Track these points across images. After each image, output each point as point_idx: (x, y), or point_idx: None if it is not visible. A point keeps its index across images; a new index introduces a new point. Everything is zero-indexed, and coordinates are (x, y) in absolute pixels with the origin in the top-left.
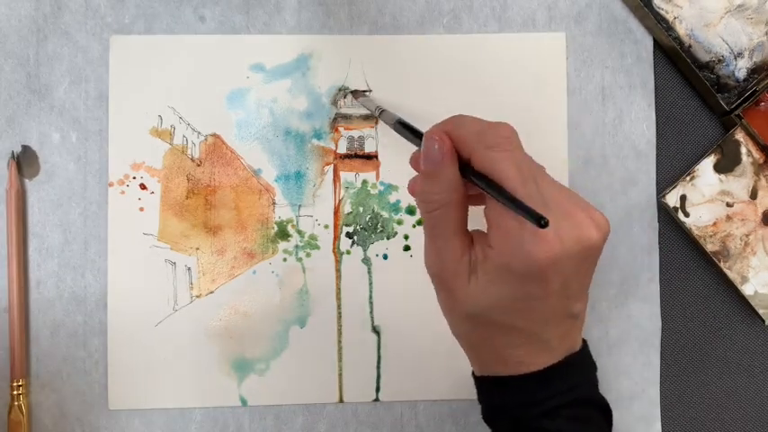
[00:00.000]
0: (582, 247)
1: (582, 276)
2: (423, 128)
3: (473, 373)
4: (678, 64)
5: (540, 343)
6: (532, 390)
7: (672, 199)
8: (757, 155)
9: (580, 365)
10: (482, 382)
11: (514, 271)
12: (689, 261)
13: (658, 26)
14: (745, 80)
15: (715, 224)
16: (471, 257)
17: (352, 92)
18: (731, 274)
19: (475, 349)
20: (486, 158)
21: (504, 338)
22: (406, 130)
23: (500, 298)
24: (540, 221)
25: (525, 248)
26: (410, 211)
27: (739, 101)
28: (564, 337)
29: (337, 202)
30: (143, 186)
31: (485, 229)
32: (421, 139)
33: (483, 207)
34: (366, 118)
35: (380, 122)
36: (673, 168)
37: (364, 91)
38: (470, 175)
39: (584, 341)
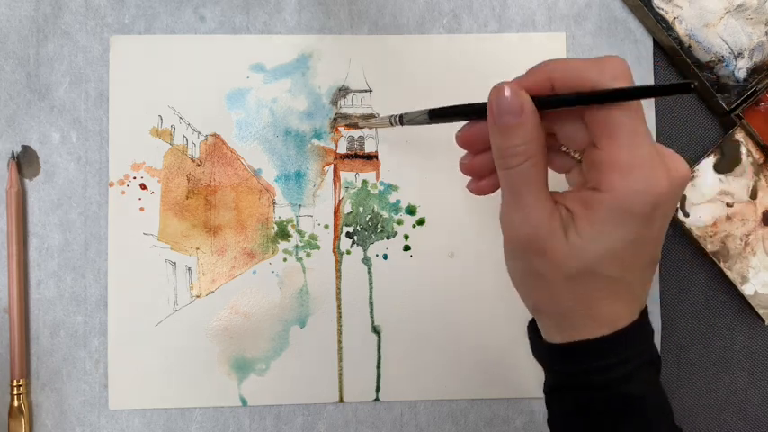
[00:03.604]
0: (682, 184)
1: (672, 214)
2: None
3: (541, 343)
4: (678, 64)
5: (632, 294)
6: (619, 349)
7: None
8: (757, 155)
9: (648, 324)
10: (557, 348)
11: (632, 210)
12: (689, 261)
13: (658, 26)
14: (744, 80)
15: (715, 224)
16: (561, 213)
17: (359, 124)
18: (731, 274)
19: (568, 314)
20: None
21: (603, 294)
22: (446, 112)
23: (612, 246)
24: (690, 85)
25: (645, 183)
26: (410, 211)
27: (739, 101)
28: (644, 287)
29: (337, 202)
30: (143, 186)
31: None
32: (468, 116)
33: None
34: (366, 118)
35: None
36: None
37: (363, 93)
38: (585, 99)
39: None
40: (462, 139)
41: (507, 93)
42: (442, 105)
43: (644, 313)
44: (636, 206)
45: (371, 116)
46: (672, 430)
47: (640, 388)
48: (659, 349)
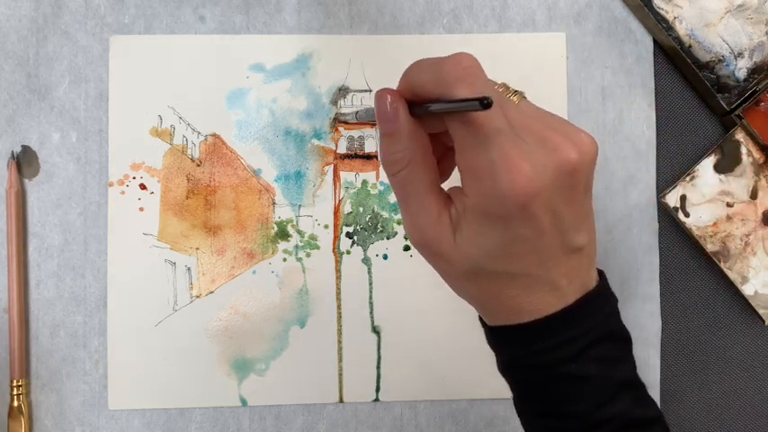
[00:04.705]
0: (562, 173)
1: (574, 205)
2: None
3: (483, 324)
4: (678, 64)
5: (548, 285)
6: (550, 335)
7: (672, 199)
8: (757, 155)
9: (598, 302)
10: (497, 332)
11: (494, 214)
12: (689, 261)
13: (658, 26)
14: (745, 80)
15: (715, 224)
16: (451, 214)
17: (340, 120)
18: (731, 275)
19: (483, 305)
20: (448, 97)
21: (508, 288)
22: (368, 112)
23: (489, 247)
24: (483, 102)
25: (498, 187)
26: None
27: (739, 101)
28: (572, 275)
29: (337, 202)
30: (143, 186)
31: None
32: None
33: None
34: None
35: None
36: (673, 168)
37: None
38: (425, 109)
39: (601, 273)
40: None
41: (387, 101)
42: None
43: (591, 293)
44: (495, 209)
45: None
46: (637, 406)
47: (588, 367)
48: (660, 349)
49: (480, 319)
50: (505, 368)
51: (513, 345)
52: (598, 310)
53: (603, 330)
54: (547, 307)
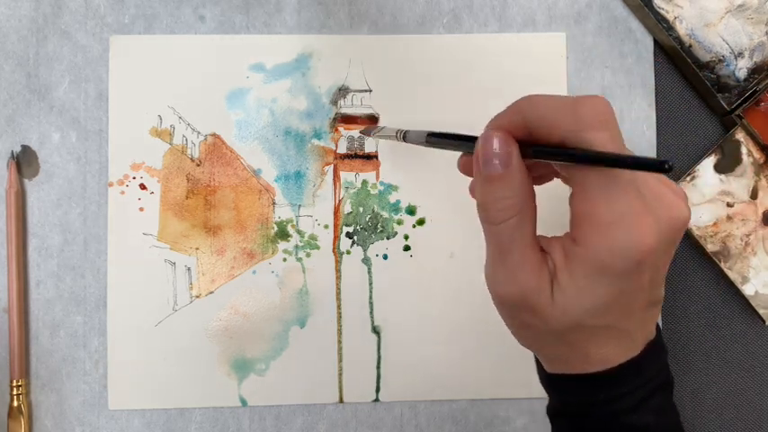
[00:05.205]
0: (674, 230)
1: (669, 260)
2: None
3: (539, 368)
4: (678, 64)
5: (626, 337)
6: (618, 385)
7: None
8: (758, 155)
9: (658, 351)
10: (557, 378)
11: (611, 268)
12: (689, 261)
13: (658, 26)
14: (745, 80)
15: (715, 224)
16: (549, 267)
17: (362, 132)
18: (731, 274)
19: (558, 356)
20: (583, 144)
21: (591, 340)
22: (443, 138)
23: (595, 302)
24: (664, 165)
25: (624, 240)
26: (410, 211)
27: (740, 101)
28: (645, 325)
29: (337, 202)
30: (143, 186)
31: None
32: (467, 142)
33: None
34: (370, 120)
35: (380, 122)
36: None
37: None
38: (545, 153)
39: (657, 325)
40: (463, 167)
41: (495, 143)
42: (440, 106)
43: (652, 343)
44: (615, 264)
45: (374, 118)
46: None
47: (647, 417)
48: None
49: (536, 359)
50: (557, 413)
51: (574, 392)
52: (659, 358)
53: (661, 379)
54: (615, 357)
